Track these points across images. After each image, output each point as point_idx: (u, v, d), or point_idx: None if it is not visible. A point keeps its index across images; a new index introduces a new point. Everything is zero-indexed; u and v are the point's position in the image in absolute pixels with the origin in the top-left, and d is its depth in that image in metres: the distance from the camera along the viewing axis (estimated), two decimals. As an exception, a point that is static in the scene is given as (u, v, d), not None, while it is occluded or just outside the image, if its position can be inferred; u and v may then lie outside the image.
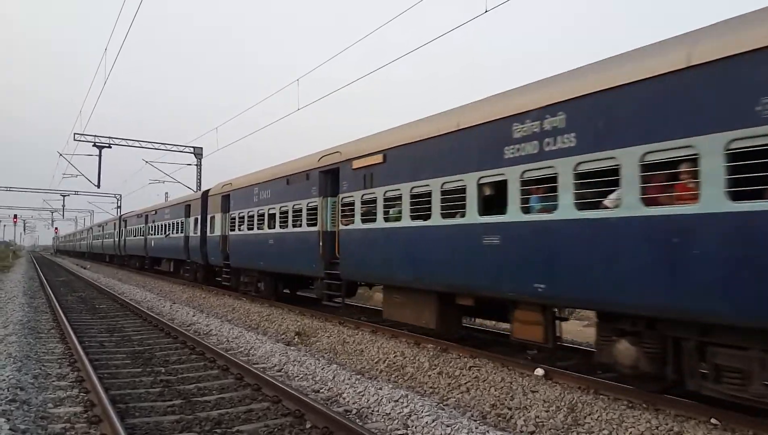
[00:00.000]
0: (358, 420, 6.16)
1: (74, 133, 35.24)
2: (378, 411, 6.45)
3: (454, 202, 8.86)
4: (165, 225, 28.52)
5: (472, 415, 6.68)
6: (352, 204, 11.68)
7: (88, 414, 6.24)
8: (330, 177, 12.93)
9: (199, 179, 39.62)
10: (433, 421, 5.86)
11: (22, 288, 22.74)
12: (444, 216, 9.04)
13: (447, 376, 8.24)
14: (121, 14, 15.75)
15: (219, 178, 26.91)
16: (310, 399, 6.48)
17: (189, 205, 24.52)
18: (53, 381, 7.74)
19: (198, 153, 39.98)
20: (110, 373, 8.34)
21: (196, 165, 40.08)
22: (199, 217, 22.62)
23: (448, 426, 5.71)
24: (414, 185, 9.76)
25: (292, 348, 10.43)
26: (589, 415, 6.32)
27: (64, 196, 68.80)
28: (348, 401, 6.93)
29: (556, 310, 7.84)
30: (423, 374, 8.46)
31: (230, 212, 19.20)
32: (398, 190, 10.18)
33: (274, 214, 15.64)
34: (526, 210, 7.57)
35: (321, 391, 7.44)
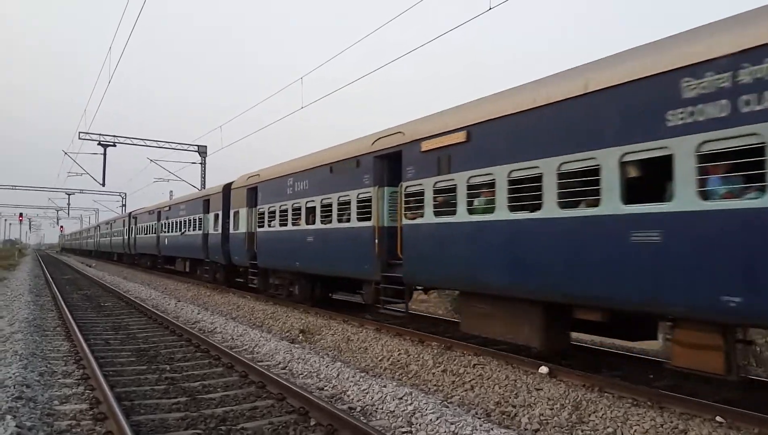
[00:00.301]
0: (362, 417, 6.17)
1: (79, 132, 35.40)
2: (382, 408, 6.45)
3: (578, 187, 7.12)
4: (180, 222, 26.81)
5: (477, 413, 6.68)
6: (421, 194, 9.85)
7: (94, 411, 6.26)
8: (388, 163, 11.19)
9: (204, 177, 39.73)
10: (437, 419, 5.86)
11: (28, 286, 22.85)
12: (563, 205, 7.23)
13: (451, 373, 8.23)
14: (124, 14, 15.77)
15: (224, 177, 26.63)
16: (314, 396, 6.48)
17: (208, 200, 22.66)
18: (59, 378, 7.78)
19: (202, 151, 40.09)
20: (115, 370, 8.37)
21: (201, 163, 40.19)
22: (221, 212, 20.87)
23: (452, 423, 5.71)
24: (514, 168, 7.89)
25: (296, 346, 10.45)
26: (594, 413, 6.31)
27: (69, 194, 69.21)
28: (352, 399, 6.94)
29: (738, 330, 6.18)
30: (427, 372, 8.46)
31: (258, 207, 17.38)
32: (489, 174, 8.33)
33: (314, 208, 13.79)
34: (705, 195, 5.79)
35: (325, 388, 7.45)
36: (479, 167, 8.57)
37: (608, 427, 5.97)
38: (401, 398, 6.62)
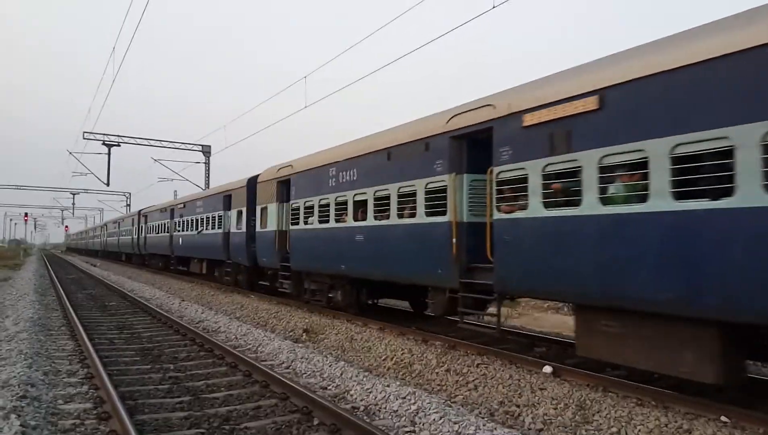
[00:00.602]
0: (365, 417, 6.17)
1: (83, 132, 35.60)
2: (386, 408, 6.45)
3: None
4: (197, 220, 24.81)
5: (480, 413, 6.67)
6: (522, 181, 7.87)
7: (98, 410, 6.29)
8: (469, 144, 9.33)
9: (208, 177, 39.83)
10: (440, 419, 5.86)
11: (33, 285, 22.94)
12: None
13: (455, 373, 8.22)
14: (127, 16, 15.81)
15: (227, 177, 26.57)
16: (317, 396, 6.49)
17: (230, 196, 20.81)
18: (63, 378, 7.81)
19: (206, 151, 40.21)
20: (119, 369, 8.40)
21: (205, 163, 40.31)
22: (245, 209, 18.94)
23: (455, 423, 5.70)
24: (682, 141, 5.90)
25: (300, 345, 10.46)
26: (598, 412, 6.29)
27: (74, 194, 69.46)
28: (356, 398, 6.94)
29: None
30: (430, 371, 8.45)
31: (291, 201, 15.36)
32: (639, 151, 6.31)
33: (364, 202, 11.83)
34: None
35: (329, 388, 7.45)
36: (621, 142, 6.58)
37: (612, 426, 5.95)
38: (404, 398, 6.61)
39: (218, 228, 21.82)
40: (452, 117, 9.53)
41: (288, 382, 7.10)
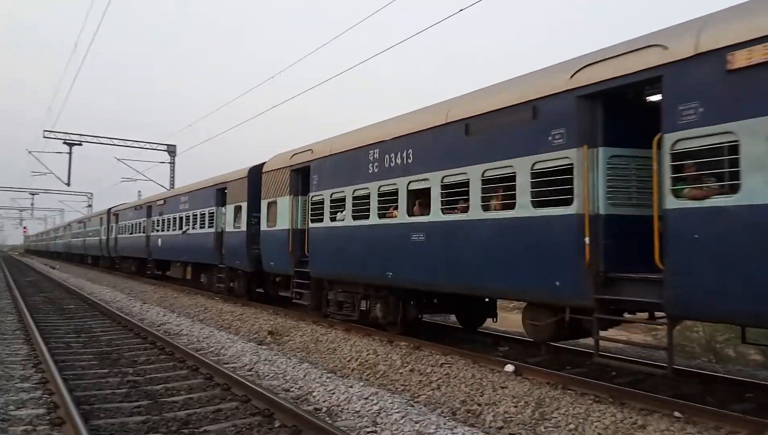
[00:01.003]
0: (327, 418, 6.14)
1: (44, 130, 34.68)
2: (348, 409, 6.44)
3: None
4: (181, 218, 22.15)
5: (442, 412, 6.71)
6: (729, 150, 5.52)
7: (51, 416, 6.10)
8: (607, 106, 6.92)
9: (173, 177, 39.16)
10: (402, 418, 5.88)
11: (-12, 289, 22.15)
12: None
13: (419, 373, 8.26)
14: (90, 10, 15.43)
15: (193, 177, 25.82)
16: (279, 398, 6.44)
17: (224, 189, 18.22)
18: (16, 383, 7.55)
19: (171, 151, 39.53)
20: (76, 374, 8.16)
21: (170, 163, 39.61)
22: (245, 204, 16.41)
23: (416, 422, 5.73)
24: None
25: (263, 347, 10.36)
26: (557, 409, 6.40)
27: (33, 194, 67.41)
28: (318, 400, 6.91)
29: None
30: (395, 372, 8.47)
31: (312, 194, 12.77)
32: None
33: (427, 191, 9.30)
34: None
35: (291, 389, 7.40)
36: None
37: (570, 423, 6.06)
38: (367, 398, 6.62)
39: (209, 227, 19.21)
40: (580, 69, 7.05)
41: (250, 384, 7.02)
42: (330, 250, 12.00)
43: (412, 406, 6.56)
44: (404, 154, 9.84)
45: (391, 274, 10.04)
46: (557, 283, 7.15)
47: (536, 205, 7.46)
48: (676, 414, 6.00)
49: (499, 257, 8.02)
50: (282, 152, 15.00)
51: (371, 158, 10.67)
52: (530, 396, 6.83)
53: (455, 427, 5.69)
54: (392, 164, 10.11)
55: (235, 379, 7.34)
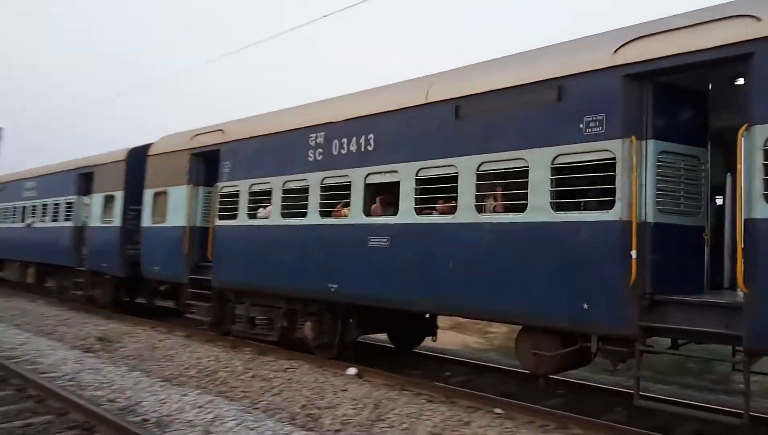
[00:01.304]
0: (155, 429, 5.78)
1: None
2: (180, 419, 6.11)
3: None
4: (24, 208, 18.83)
5: (281, 417, 6.62)
6: None
7: None
8: (660, 90, 5.68)
9: (-8, 164, 34.47)
10: (237, 425, 5.73)
11: None
12: None
13: (261, 379, 8.10)
14: None
15: (19, 165, 22.76)
16: (102, 410, 5.96)
17: (91, 174, 15.06)
18: None
19: (-8, 134, 34.80)
20: None
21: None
22: (120, 193, 13.59)
23: (251, 429, 5.62)
24: None
25: (90, 355, 9.49)
26: (392, 410, 6.64)
27: None
28: (147, 410, 6.46)
29: None
30: (235, 378, 8.22)
31: (222, 184, 10.50)
32: None
33: (394, 186, 7.71)
34: None
35: (117, 400, 6.85)
36: None
37: (404, 423, 6.32)
38: (202, 407, 6.36)
39: (65, 220, 16.00)
40: (628, 42, 5.71)
41: (68, 395, 6.39)
42: (246, 255, 9.86)
43: (250, 413, 6.40)
44: (362, 140, 8.10)
45: (335, 286, 8.21)
46: (585, 306, 5.74)
47: (557, 207, 6.04)
48: (497, 410, 6.55)
49: (499, 271, 6.48)
50: (176, 132, 12.63)
51: (312, 143, 8.83)
52: (369, 398, 7.01)
53: (292, 432, 5.67)
54: (343, 151, 8.35)
55: (50, 390, 6.64)
